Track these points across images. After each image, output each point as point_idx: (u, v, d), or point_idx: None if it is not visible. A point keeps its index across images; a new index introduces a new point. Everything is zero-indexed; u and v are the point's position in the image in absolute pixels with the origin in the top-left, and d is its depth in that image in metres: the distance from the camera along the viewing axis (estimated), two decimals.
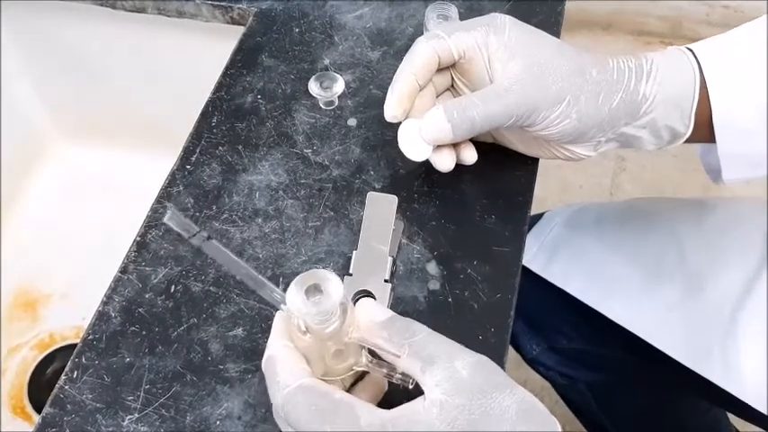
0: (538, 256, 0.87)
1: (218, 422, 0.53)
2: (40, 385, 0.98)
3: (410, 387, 0.45)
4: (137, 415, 0.53)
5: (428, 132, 0.58)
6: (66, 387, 0.55)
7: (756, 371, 0.73)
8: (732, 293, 0.76)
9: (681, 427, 1.01)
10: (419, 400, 0.42)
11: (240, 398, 0.54)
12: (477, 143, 0.62)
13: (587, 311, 0.82)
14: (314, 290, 0.43)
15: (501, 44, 0.58)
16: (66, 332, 1.02)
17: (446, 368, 0.42)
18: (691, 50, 0.60)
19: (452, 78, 0.62)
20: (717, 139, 0.60)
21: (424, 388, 0.43)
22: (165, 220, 0.44)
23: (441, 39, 0.59)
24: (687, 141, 0.62)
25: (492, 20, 0.59)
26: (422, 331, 0.45)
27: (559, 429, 0.43)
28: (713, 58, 0.59)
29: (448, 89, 0.63)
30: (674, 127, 0.60)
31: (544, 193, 1.58)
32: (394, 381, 0.46)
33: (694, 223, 0.82)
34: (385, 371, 0.46)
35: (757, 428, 0.80)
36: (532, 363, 0.95)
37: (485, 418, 0.41)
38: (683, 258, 0.80)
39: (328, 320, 0.43)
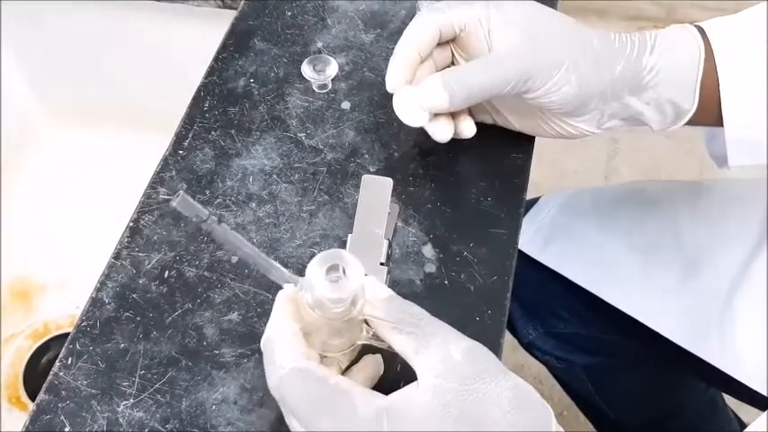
0: (534, 239, 0.86)
1: (213, 407, 0.52)
2: (36, 375, 0.98)
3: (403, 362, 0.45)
4: (132, 400, 0.53)
5: (425, 99, 0.57)
6: (61, 374, 0.54)
7: (753, 351, 0.73)
8: (729, 275, 0.76)
9: (677, 410, 1.01)
10: (412, 385, 0.42)
11: (236, 382, 0.53)
12: (478, 124, 0.62)
13: (584, 295, 0.82)
14: (333, 269, 0.42)
15: (500, 16, 0.57)
16: (60, 321, 1.01)
17: (440, 351, 0.42)
18: (697, 28, 0.59)
19: (453, 55, 0.62)
20: (724, 117, 0.59)
21: (417, 371, 0.42)
22: (174, 204, 0.43)
23: (441, 12, 0.58)
24: (691, 123, 0.61)
25: None
26: (420, 312, 0.45)
27: (552, 416, 0.43)
28: (721, 33, 0.58)
29: (448, 66, 0.63)
30: (678, 102, 0.59)
31: (539, 178, 1.57)
32: (395, 352, 0.45)
33: (690, 206, 0.81)
34: (386, 345, 0.45)
35: (753, 409, 0.80)
36: (529, 347, 0.95)
37: (478, 404, 0.41)
38: (680, 241, 0.80)
39: (341, 303, 0.43)
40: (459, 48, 0.61)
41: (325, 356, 0.46)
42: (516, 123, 0.64)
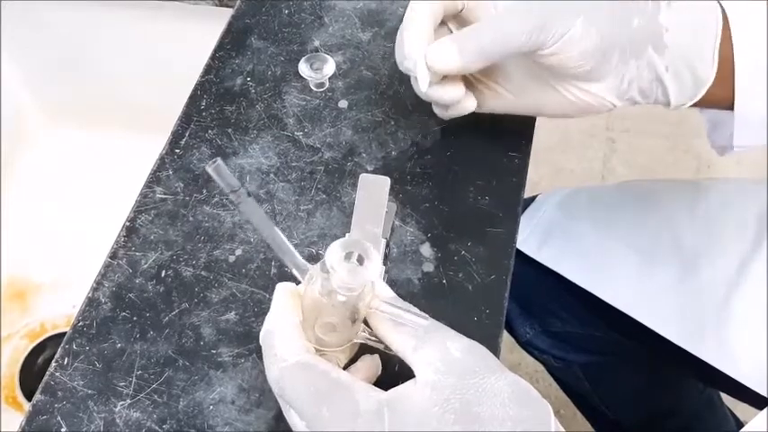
0: (530, 238, 0.86)
1: (211, 407, 0.52)
2: (32, 375, 0.98)
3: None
4: (129, 401, 0.53)
5: (434, 57, 0.54)
6: (57, 374, 0.54)
7: (750, 351, 0.73)
8: (726, 274, 0.76)
9: (675, 408, 1.01)
10: (410, 382, 0.42)
11: (233, 382, 0.53)
12: (476, 123, 0.61)
13: (581, 294, 0.82)
14: (348, 257, 0.42)
15: None
16: (56, 321, 1.01)
17: (439, 349, 0.42)
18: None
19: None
20: (736, 88, 0.57)
21: (414, 368, 0.42)
22: (209, 170, 0.43)
23: None
24: (705, 102, 0.59)
25: None
26: (421, 313, 0.44)
27: (551, 412, 0.42)
28: (738, 7, 0.57)
29: None
30: (696, 69, 0.56)
31: (536, 177, 1.58)
32: (391, 352, 0.45)
33: (688, 205, 0.81)
34: (383, 345, 0.45)
35: (750, 408, 0.80)
36: (526, 346, 0.95)
37: (478, 399, 0.41)
38: (678, 240, 0.80)
39: (352, 291, 0.43)
40: (462, 26, 0.58)
41: (323, 353, 0.46)
42: (528, 101, 0.60)
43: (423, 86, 0.56)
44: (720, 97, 0.58)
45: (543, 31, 0.52)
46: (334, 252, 0.42)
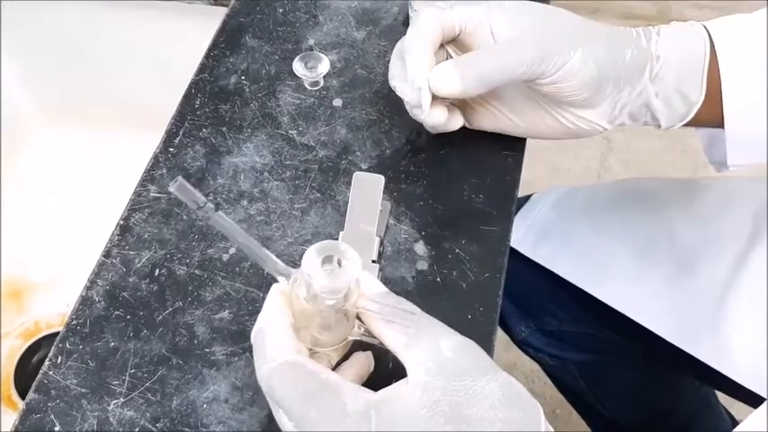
0: (526, 237, 0.86)
1: (204, 405, 0.52)
2: (27, 374, 0.98)
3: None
4: (122, 399, 0.53)
5: (437, 82, 0.55)
6: (51, 373, 0.54)
7: (746, 350, 0.73)
8: (722, 273, 0.76)
9: (670, 407, 1.01)
10: (402, 382, 0.42)
11: (227, 381, 0.53)
12: (471, 130, 0.62)
13: (576, 293, 0.82)
14: (328, 261, 0.42)
15: (502, 14, 0.57)
16: (51, 320, 1.01)
17: (431, 348, 0.42)
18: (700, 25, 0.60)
19: (447, 58, 0.61)
20: (725, 113, 0.59)
21: (406, 366, 0.42)
22: (172, 189, 0.43)
23: (443, 10, 0.57)
24: (696, 122, 0.61)
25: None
26: (413, 309, 0.44)
27: (542, 413, 0.42)
28: (723, 30, 0.59)
29: None
30: (686, 93, 0.59)
31: (532, 176, 1.57)
32: (386, 349, 0.45)
33: (684, 204, 0.81)
34: (377, 341, 0.45)
35: (746, 406, 0.80)
36: (522, 345, 0.95)
37: (468, 401, 0.40)
38: (674, 238, 0.80)
39: (335, 294, 0.42)
40: (459, 50, 0.60)
41: (316, 352, 0.46)
42: (521, 123, 0.63)
43: (425, 111, 0.57)
44: (711, 118, 0.60)
45: (543, 62, 0.54)
46: (309, 259, 0.42)
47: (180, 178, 0.43)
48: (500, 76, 0.55)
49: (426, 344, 0.42)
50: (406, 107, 0.61)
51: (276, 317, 0.44)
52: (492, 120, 0.63)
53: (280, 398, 0.42)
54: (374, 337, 0.45)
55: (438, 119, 0.59)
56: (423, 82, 0.56)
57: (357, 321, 0.46)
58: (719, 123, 0.60)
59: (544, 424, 0.42)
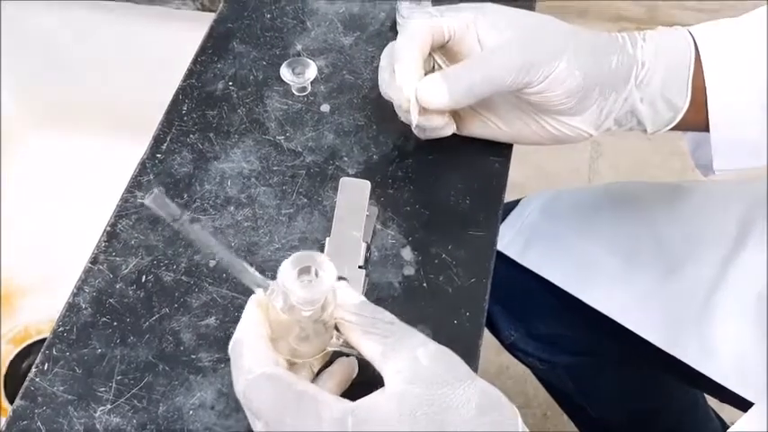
0: (514, 241, 0.86)
1: (191, 411, 0.52)
2: (16, 379, 0.97)
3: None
4: (109, 406, 0.53)
5: (424, 94, 0.56)
6: (37, 379, 0.54)
7: (731, 353, 0.73)
8: (707, 276, 0.76)
9: (659, 409, 1.01)
10: (379, 392, 0.42)
11: (213, 387, 0.53)
12: (458, 135, 0.62)
13: (564, 296, 0.82)
14: (305, 271, 0.42)
15: (489, 22, 0.58)
16: (41, 325, 1.01)
17: (408, 356, 0.42)
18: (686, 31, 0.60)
19: (435, 65, 0.61)
20: (710, 118, 0.59)
21: (383, 375, 0.42)
22: (147, 202, 0.43)
23: (434, 17, 0.58)
24: (683, 126, 0.61)
25: (477, 5, 0.59)
26: (391, 318, 0.44)
27: (519, 418, 0.43)
28: (708, 35, 0.59)
29: None
30: (671, 98, 0.59)
31: (522, 180, 1.58)
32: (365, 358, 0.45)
33: (670, 207, 0.82)
34: (356, 352, 0.45)
35: (734, 409, 0.80)
36: (511, 348, 0.95)
37: (444, 408, 0.41)
38: (659, 242, 0.80)
39: (312, 305, 0.43)
40: (447, 57, 0.60)
41: (294, 363, 0.46)
42: (508, 130, 0.63)
43: (414, 120, 0.58)
44: (697, 122, 0.61)
45: (530, 72, 0.55)
46: (285, 271, 0.42)
47: (156, 190, 0.43)
48: (488, 87, 0.56)
49: (403, 353, 0.42)
50: (397, 111, 0.61)
51: (253, 328, 0.44)
52: (480, 127, 0.64)
53: (257, 409, 0.42)
54: (352, 347, 0.45)
55: (437, 122, 0.59)
56: (411, 92, 0.56)
57: (335, 332, 0.46)
58: (705, 128, 0.61)
59: (521, 425, 0.42)
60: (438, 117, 0.60)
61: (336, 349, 0.47)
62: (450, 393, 0.41)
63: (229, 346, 0.45)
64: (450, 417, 0.41)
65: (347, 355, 0.48)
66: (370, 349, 0.43)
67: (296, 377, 0.43)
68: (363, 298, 0.46)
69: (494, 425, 0.41)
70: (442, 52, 0.60)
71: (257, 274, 0.45)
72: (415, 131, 0.62)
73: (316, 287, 0.42)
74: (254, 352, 0.43)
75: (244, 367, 0.43)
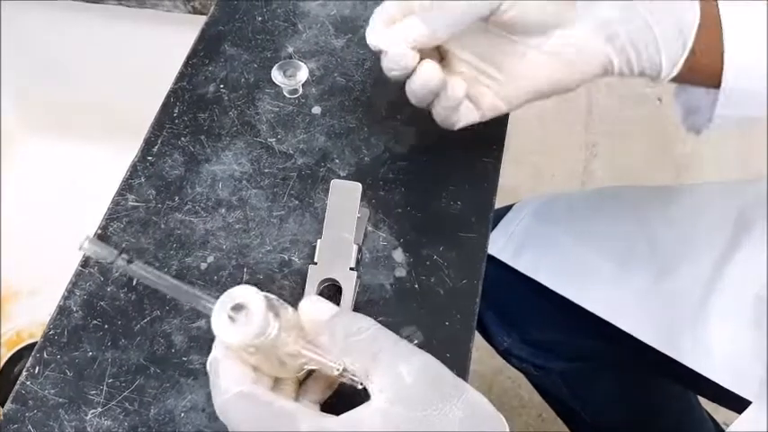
0: (507, 246, 0.86)
1: (182, 414, 0.52)
2: (8, 383, 0.97)
3: (359, 387, 0.44)
4: (100, 409, 0.52)
5: (404, 30, 0.53)
6: (28, 383, 0.54)
7: (727, 352, 0.73)
8: (702, 277, 0.76)
9: (654, 413, 1.01)
10: (364, 406, 0.42)
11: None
12: (433, 130, 0.61)
13: (558, 301, 0.82)
14: (239, 308, 0.41)
15: None
16: (33, 329, 1.00)
17: (391, 374, 0.42)
18: None
19: None
20: (725, 50, 0.55)
21: (369, 391, 0.42)
22: (81, 249, 0.43)
23: None
24: (692, 74, 0.57)
25: None
26: (368, 328, 0.44)
27: (506, 426, 0.42)
28: None
29: None
30: (678, 12, 0.54)
31: (516, 182, 1.58)
32: (345, 381, 0.44)
33: (663, 209, 0.82)
34: (347, 377, 0.44)
35: (729, 412, 0.81)
36: (505, 354, 0.95)
37: (429, 427, 0.40)
38: (653, 244, 0.80)
39: (264, 333, 0.41)
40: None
41: (281, 379, 0.46)
42: (522, 80, 0.57)
43: (399, 60, 0.54)
44: (707, 68, 0.56)
45: None
46: (214, 318, 0.41)
47: (89, 235, 0.43)
48: (469, 13, 0.52)
49: (386, 369, 0.42)
50: (387, 67, 0.55)
51: (228, 347, 0.44)
52: (497, 94, 0.58)
53: (236, 427, 0.42)
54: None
55: (429, 74, 0.54)
56: (391, 35, 0.53)
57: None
58: (715, 79, 0.57)
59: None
60: (428, 66, 0.54)
61: (316, 368, 0.45)
62: (434, 414, 0.40)
63: (207, 364, 0.44)
64: None
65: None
66: (352, 367, 0.43)
67: (273, 395, 0.43)
68: (333, 309, 0.45)
69: None
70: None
71: (210, 300, 0.43)
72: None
73: (247, 327, 0.41)
74: (229, 371, 0.43)
75: (221, 387, 0.42)
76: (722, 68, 0.56)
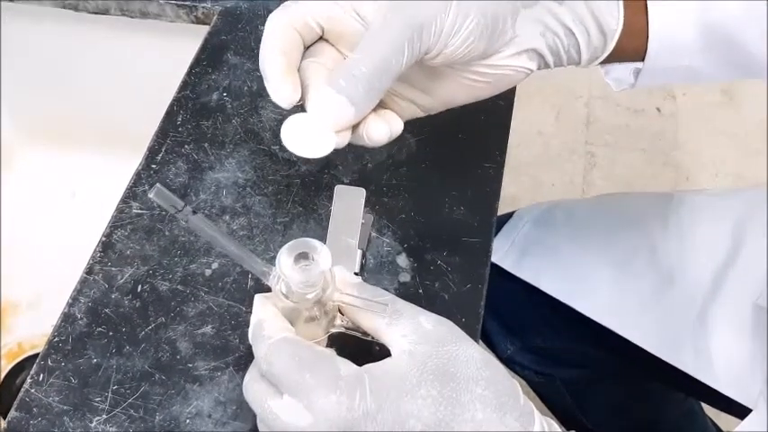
0: (509, 254, 0.87)
1: (187, 420, 0.52)
2: (10, 395, 0.96)
3: (376, 348, 0.47)
4: (105, 416, 0.52)
5: (324, 114, 0.47)
6: (33, 390, 0.54)
7: (727, 360, 0.74)
8: (702, 285, 0.77)
9: (656, 419, 1.01)
10: (388, 358, 0.44)
11: (210, 396, 0.53)
12: (451, 135, 0.61)
13: (560, 308, 0.82)
14: (302, 258, 0.44)
15: None
16: (35, 340, 1.00)
17: (411, 322, 0.44)
18: None
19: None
20: (650, 36, 0.53)
21: (390, 344, 0.44)
22: (151, 195, 0.44)
23: (289, 8, 0.48)
24: (616, 56, 0.54)
25: None
26: (389, 296, 0.46)
27: (520, 391, 0.45)
28: None
29: None
30: (600, 18, 0.51)
31: (517, 191, 1.58)
32: (367, 338, 0.47)
33: (663, 218, 0.82)
34: (360, 332, 0.47)
35: (730, 417, 0.81)
36: (507, 362, 0.95)
37: (453, 362, 0.43)
38: (654, 252, 0.80)
39: (312, 288, 0.45)
40: (340, 45, 0.51)
41: None
42: (441, 97, 0.53)
43: (321, 153, 0.48)
44: (633, 49, 0.54)
45: (422, 35, 0.46)
46: (282, 259, 0.44)
47: (158, 185, 0.44)
48: (386, 77, 0.46)
49: (407, 320, 0.44)
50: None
51: (269, 309, 0.46)
52: (415, 107, 0.54)
53: (278, 371, 0.43)
54: (356, 329, 0.47)
55: (377, 133, 0.50)
56: (287, 99, 0.47)
57: (339, 314, 0.48)
58: (640, 56, 0.55)
59: (523, 398, 0.44)
60: (376, 119, 0.49)
61: (341, 331, 0.48)
62: (455, 350, 0.44)
63: (249, 331, 0.46)
64: (458, 368, 0.43)
65: (351, 339, 0.49)
66: (374, 322, 0.45)
67: (312, 343, 0.45)
68: (359, 279, 0.48)
69: (499, 378, 0.44)
70: (334, 41, 0.51)
71: (260, 261, 0.46)
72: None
73: (312, 270, 0.44)
74: (273, 323, 0.45)
75: (264, 335, 0.44)
76: (645, 47, 0.54)
